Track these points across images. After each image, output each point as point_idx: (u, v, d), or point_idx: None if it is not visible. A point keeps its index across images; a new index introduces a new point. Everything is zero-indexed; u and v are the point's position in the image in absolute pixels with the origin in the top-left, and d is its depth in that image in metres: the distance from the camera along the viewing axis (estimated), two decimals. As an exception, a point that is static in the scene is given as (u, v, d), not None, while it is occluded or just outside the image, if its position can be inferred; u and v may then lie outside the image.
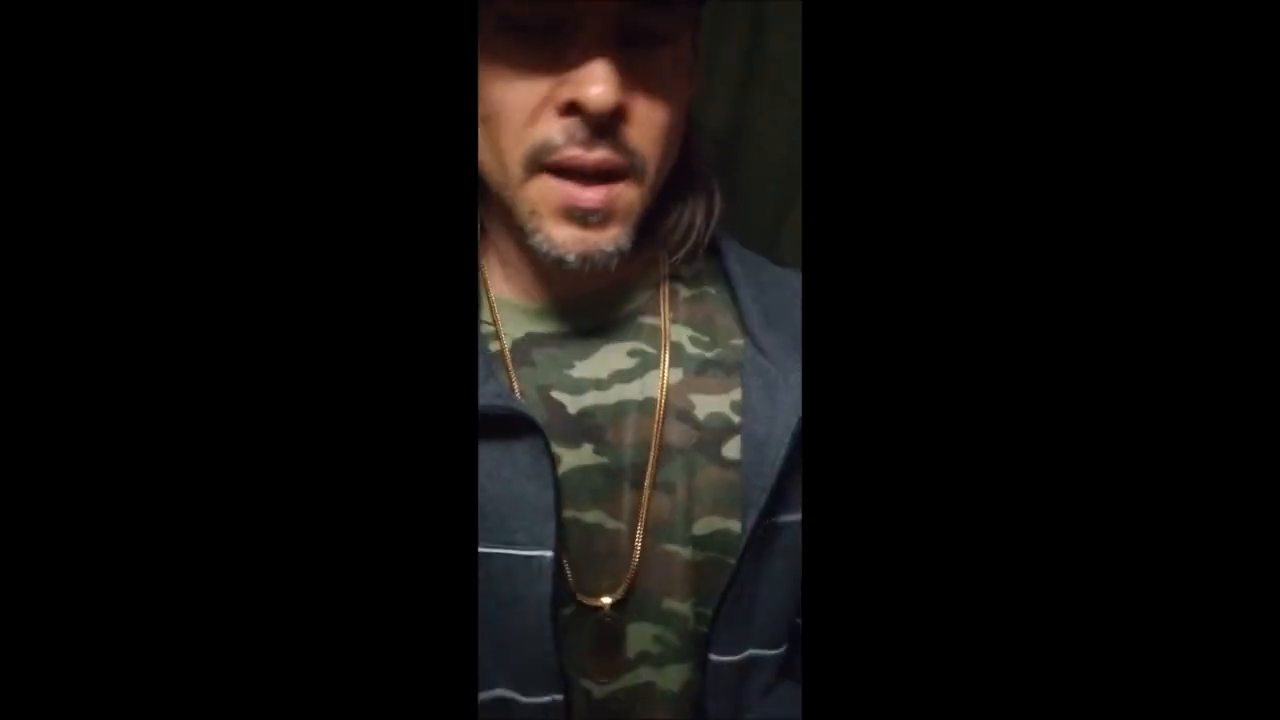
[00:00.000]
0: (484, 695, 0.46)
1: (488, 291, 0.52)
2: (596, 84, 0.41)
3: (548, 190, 0.45)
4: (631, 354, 0.51)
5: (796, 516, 0.48)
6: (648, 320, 0.52)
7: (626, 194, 0.46)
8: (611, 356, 0.51)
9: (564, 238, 0.46)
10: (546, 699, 0.46)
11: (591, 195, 0.45)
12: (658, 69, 0.44)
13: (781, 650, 0.50)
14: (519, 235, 0.48)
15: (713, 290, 0.55)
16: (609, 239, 0.47)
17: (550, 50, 0.42)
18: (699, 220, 0.51)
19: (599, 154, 0.44)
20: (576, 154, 0.44)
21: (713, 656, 0.48)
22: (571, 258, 0.47)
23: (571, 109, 0.42)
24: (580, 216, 0.45)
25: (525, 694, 0.47)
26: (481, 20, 0.42)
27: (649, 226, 0.51)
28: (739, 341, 0.51)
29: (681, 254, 0.51)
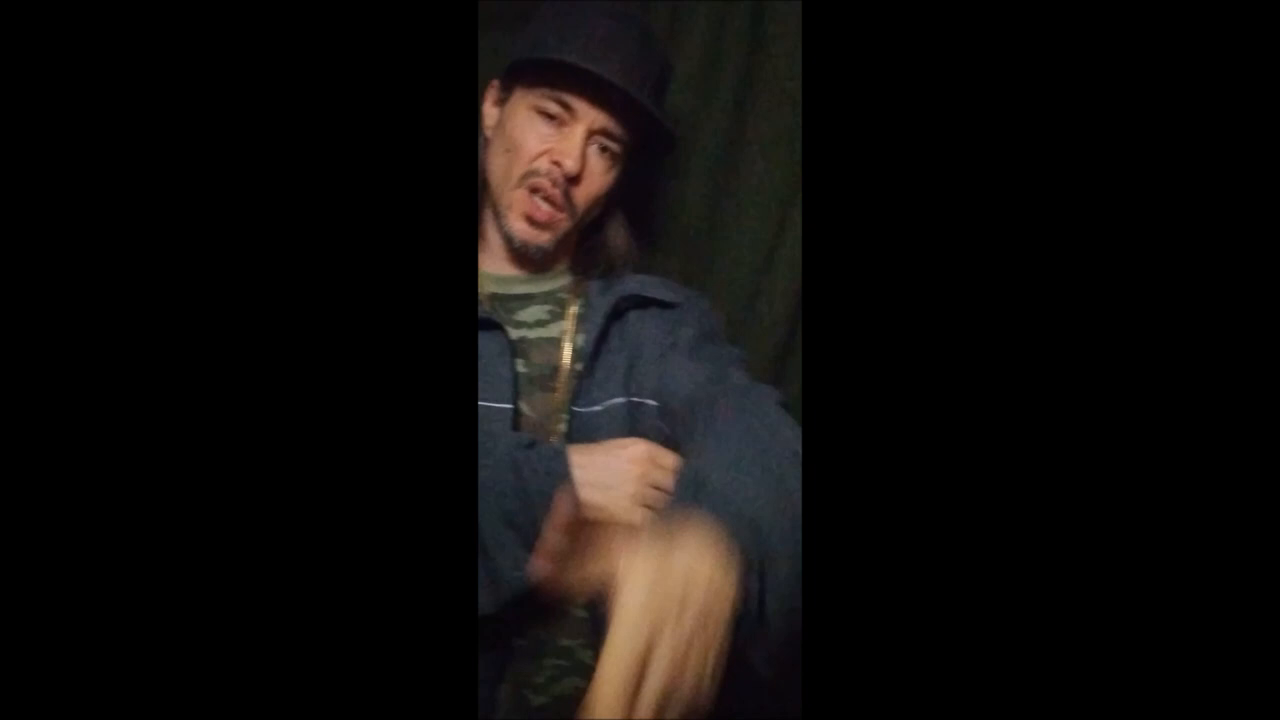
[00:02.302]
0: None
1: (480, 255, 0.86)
2: (571, 158, 0.78)
3: (522, 199, 0.80)
4: (549, 312, 0.84)
5: (607, 402, 0.80)
6: (562, 295, 0.85)
7: (561, 222, 0.80)
8: (537, 312, 0.84)
9: (520, 230, 0.81)
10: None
11: (543, 211, 0.79)
12: (605, 167, 0.81)
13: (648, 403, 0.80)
14: (499, 225, 0.82)
15: (601, 282, 0.87)
16: (543, 239, 0.81)
17: (556, 127, 0.79)
18: (610, 256, 0.86)
19: (555, 192, 0.79)
20: (544, 184, 0.78)
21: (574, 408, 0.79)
22: (518, 243, 0.81)
23: (557, 164, 0.78)
24: (533, 221, 0.80)
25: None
26: (519, 101, 0.80)
27: (578, 250, 0.87)
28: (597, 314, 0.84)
29: (595, 273, 0.86)
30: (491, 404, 0.77)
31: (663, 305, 0.84)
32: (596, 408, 0.80)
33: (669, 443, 0.74)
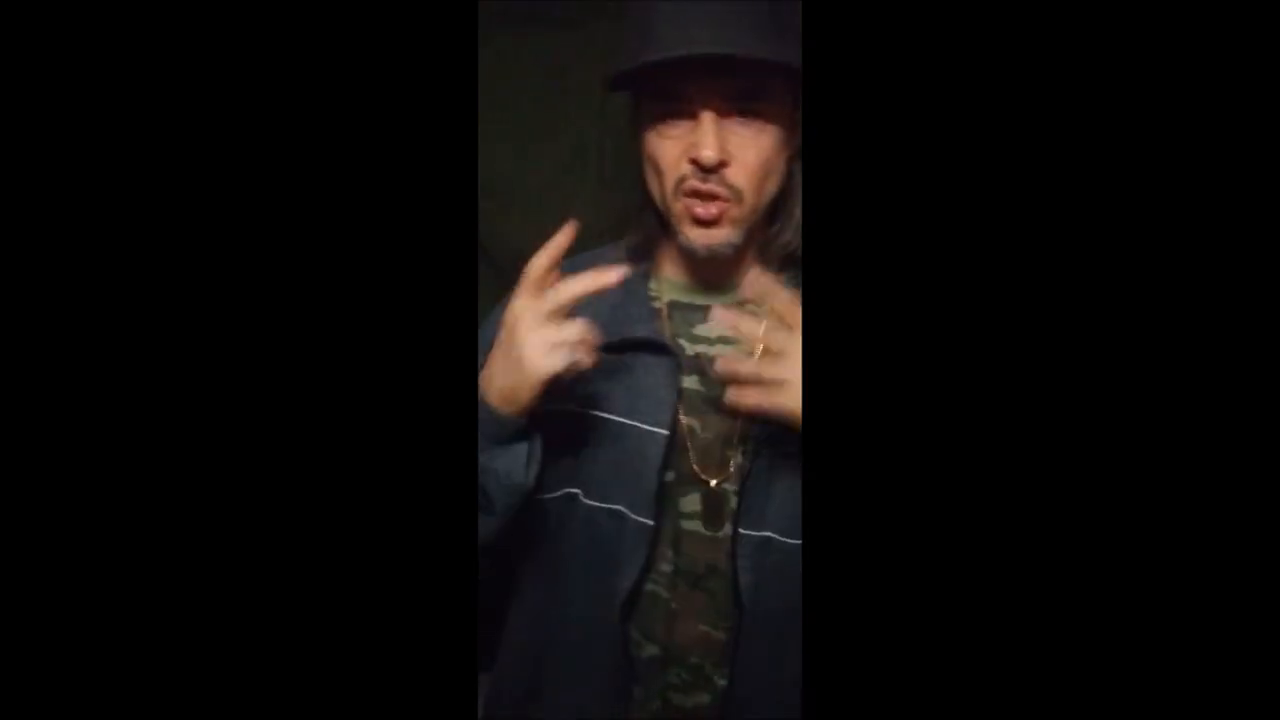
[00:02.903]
0: (602, 505, 0.76)
1: (662, 270, 0.82)
2: (707, 147, 0.70)
3: (684, 205, 0.73)
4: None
5: (790, 451, 0.73)
6: (753, 308, 0.77)
7: (731, 210, 0.73)
8: (719, 326, 0.77)
9: (693, 235, 0.74)
10: (646, 521, 0.75)
11: (705, 209, 0.73)
12: (753, 135, 0.72)
13: (794, 542, 0.74)
14: (677, 243, 0.76)
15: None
16: (721, 237, 0.74)
17: (685, 125, 0.72)
18: (786, 239, 0.78)
19: (710, 186, 0.72)
20: (696, 184, 0.72)
21: (740, 530, 0.74)
22: (698, 247, 0.74)
23: (695, 161, 0.71)
24: (701, 222, 0.73)
25: (635, 513, 0.75)
26: (647, 113, 0.74)
27: (760, 240, 0.79)
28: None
29: (791, 247, 0.79)
30: (642, 425, 0.75)
31: None
32: (777, 454, 0.74)
33: None
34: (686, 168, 0.72)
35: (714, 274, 0.79)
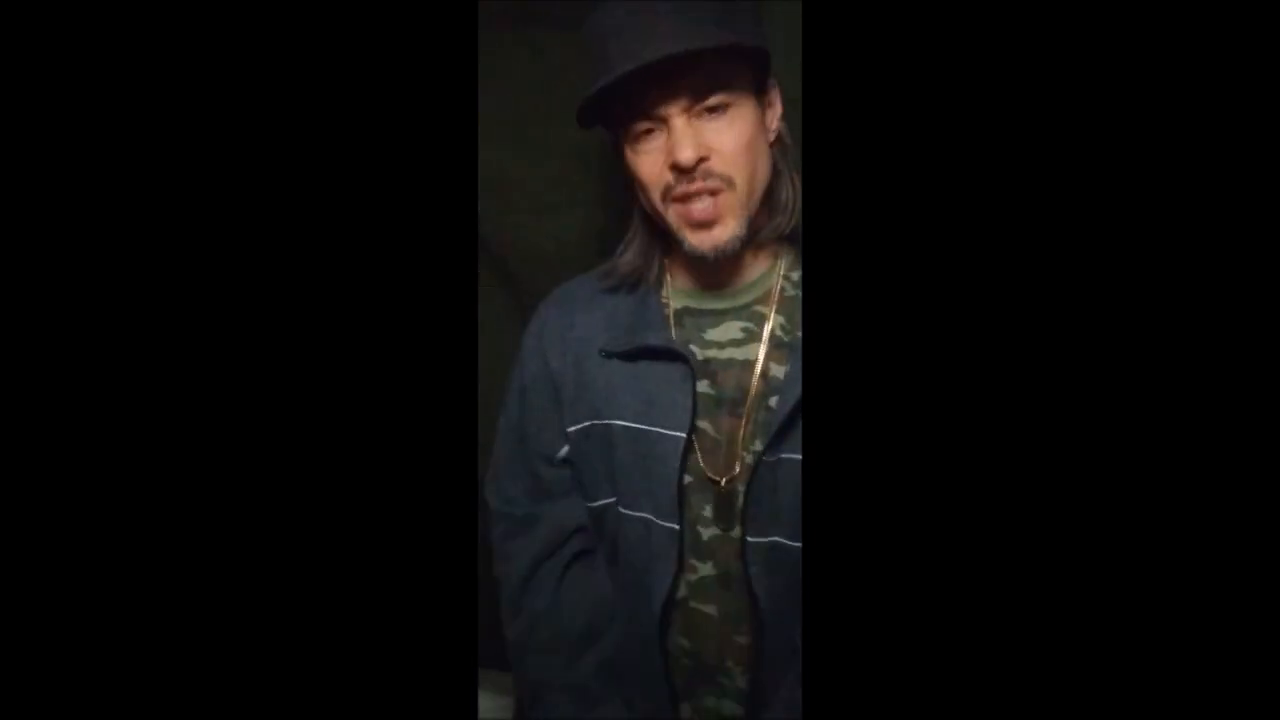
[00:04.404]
0: (632, 513, 0.80)
1: (673, 278, 0.84)
2: (681, 149, 0.70)
3: (678, 212, 0.73)
4: (743, 330, 0.79)
5: (794, 455, 0.75)
6: (759, 309, 0.80)
7: (727, 200, 0.72)
8: (731, 329, 0.80)
9: (696, 240, 0.73)
10: (671, 525, 0.77)
11: (699, 209, 0.72)
12: (726, 124, 0.72)
13: (798, 545, 0.75)
14: (682, 251, 0.76)
15: (797, 293, 0.81)
16: (722, 235, 0.73)
17: (659, 136, 0.72)
18: (792, 208, 0.79)
19: (696, 185, 0.71)
20: (684, 188, 0.72)
21: (749, 538, 0.76)
22: (704, 251, 0.73)
23: (675, 166, 0.71)
24: (698, 225, 0.73)
25: (660, 518, 0.78)
26: (623, 137, 0.75)
27: (760, 229, 0.78)
28: (800, 332, 0.78)
29: (786, 229, 0.79)
30: (661, 430, 0.77)
31: None
32: (786, 455, 0.75)
33: None
34: (669, 175, 0.72)
35: (724, 273, 0.80)
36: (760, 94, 0.75)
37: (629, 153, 0.74)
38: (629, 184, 0.78)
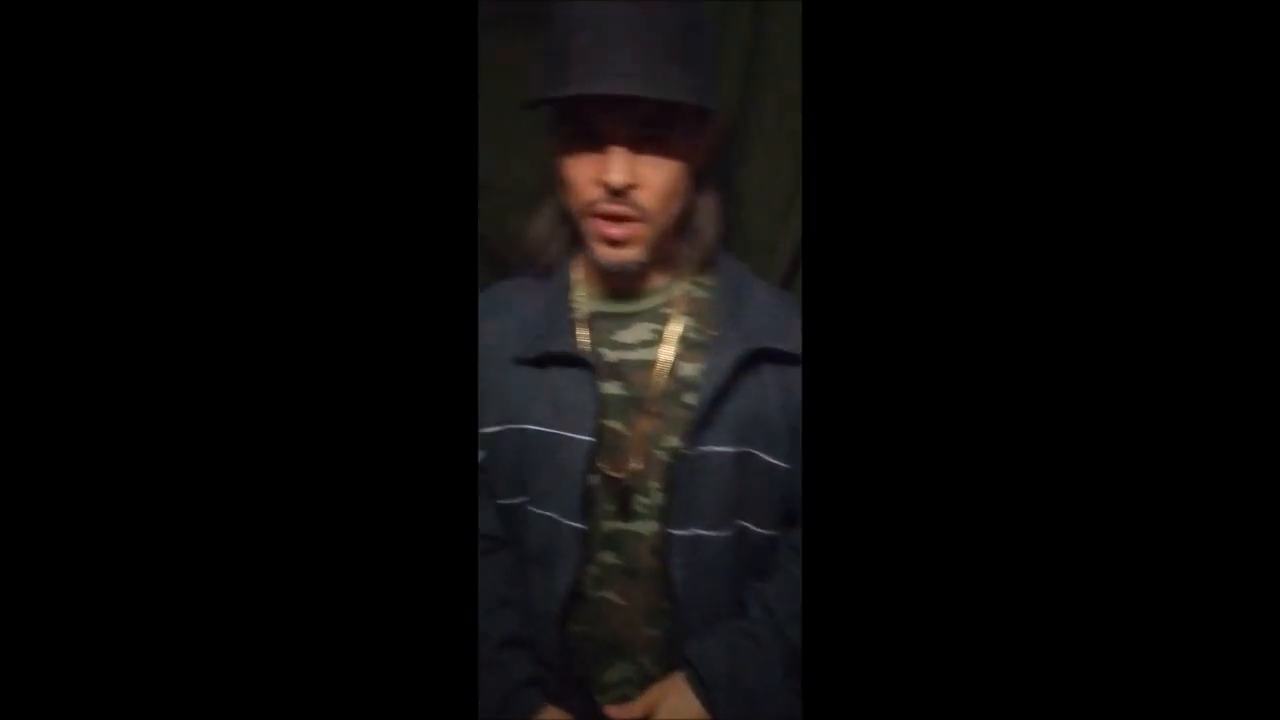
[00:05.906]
0: (540, 512, 0.82)
1: (580, 282, 0.86)
2: (615, 172, 0.74)
3: (595, 226, 0.78)
4: (653, 331, 0.83)
5: (716, 448, 0.79)
6: (666, 311, 0.84)
7: (641, 229, 0.77)
8: (640, 331, 0.83)
9: (603, 254, 0.79)
10: (577, 525, 0.80)
11: (615, 230, 0.77)
12: (661, 157, 0.75)
13: (721, 535, 0.80)
14: (590, 257, 0.80)
15: (708, 296, 0.86)
16: (630, 256, 0.79)
17: (596, 151, 0.75)
18: (706, 241, 0.84)
19: (619, 208, 0.76)
20: (607, 207, 0.76)
21: (671, 530, 0.79)
22: (610, 265, 0.79)
23: (605, 185, 0.75)
24: (611, 242, 0.78)
25: (566, 518, 0.80)
26: (562, 135, 0.77)
27: (668, 252, 0.83)
28: (714, 332, 0.83)
29: (695, 267, 0.85)
30: (567, 434, 0.79)
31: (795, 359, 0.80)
32: (706, 449, 0.79)
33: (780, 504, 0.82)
34: (597, 190, 0.75)
35: (625, 284, 0.84)
36: (696, 142, 0.78)
37: (564, 154, 0.77)
38: (550, 163, 0.80)
